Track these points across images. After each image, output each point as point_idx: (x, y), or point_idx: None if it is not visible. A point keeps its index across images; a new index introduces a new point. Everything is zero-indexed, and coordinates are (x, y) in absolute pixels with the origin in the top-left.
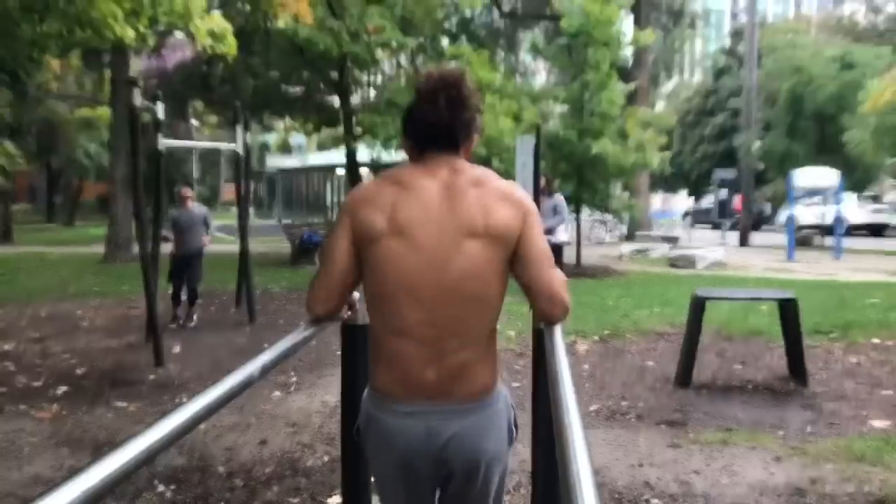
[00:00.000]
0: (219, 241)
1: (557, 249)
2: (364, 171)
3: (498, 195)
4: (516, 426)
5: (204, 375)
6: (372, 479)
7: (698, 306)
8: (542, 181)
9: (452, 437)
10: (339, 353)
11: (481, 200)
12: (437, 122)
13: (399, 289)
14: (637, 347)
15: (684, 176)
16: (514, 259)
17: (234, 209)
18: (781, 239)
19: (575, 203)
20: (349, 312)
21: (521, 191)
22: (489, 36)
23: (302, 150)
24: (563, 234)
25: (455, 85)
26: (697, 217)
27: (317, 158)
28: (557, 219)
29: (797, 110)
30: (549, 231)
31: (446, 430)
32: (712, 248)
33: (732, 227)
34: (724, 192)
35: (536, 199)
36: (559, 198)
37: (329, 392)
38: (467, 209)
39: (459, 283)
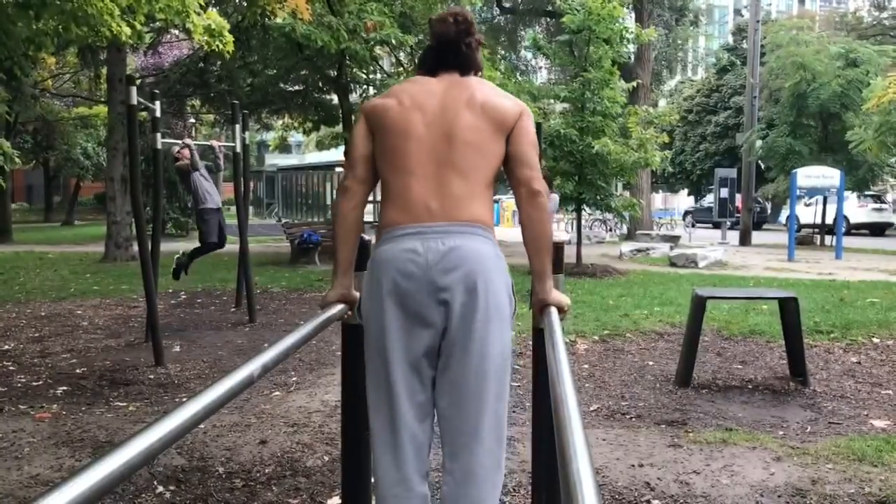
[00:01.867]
0: None
1: (558, 248)
2: None
3: (496, 90)
4: (513, 298)
5: (204, 375)
6: (374, 480)
7: (699, 306)
8: None
9: (450, 250)
10: (339, 352)
11: (481, 91)
12: (447, 37)
13: (407, 139)
14: (637, 347)
15: (685, 175)
16: (506, 156)
17: (233, 208)
18: (782, 238)
19: (576, 202)
20: (350, 312)
21: (516, 98)
22: (489, 33)
23: (301, 149)
24: (563, 233)
25: (462, 13)
26: (698, 216)
27: (316, 157)
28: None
29: (800, 108)
30: None
31: (443, 244)
32: (713, 247)
33: (733, 227)
34: (724, 192)
35: None
36: (553, 196)
37: (329, 392)
38: (468, 92)
39: (458, 132)
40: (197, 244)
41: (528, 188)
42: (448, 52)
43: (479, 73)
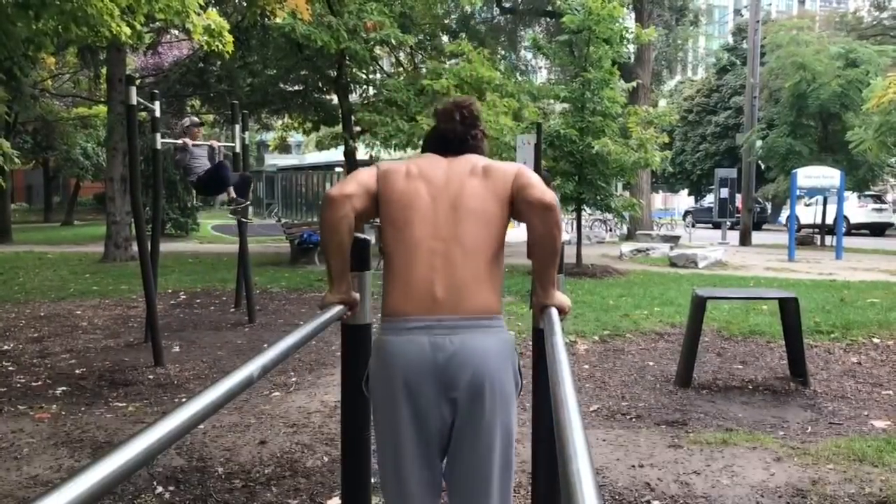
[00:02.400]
0: (218, 241)
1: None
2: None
3: (498, 161)
4: (521, 375)
5: (203, 375)
6: (374, 481)
7: (699, 306)
8: None
9: (457, 351)
10: (339, 353)
11: (484, 160)
12: (453, 133)
13: (412, 211)
14: (637, 347)
15: (685, 175)
16: (513, 200)
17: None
18: (782, 238)
19: (576, 202)
20: (349, 312)
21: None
22: (489, 33)
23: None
24: (563, 233)
25: (467, 105)
26: (698, 216)
27: (315, 157)
28: None
29: (800, 108)
30: None
31: (451, 343)
32: (713, 247)
33: (733, 227)
34: (724, 192)
35: None
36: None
37: (329, 392)
38: (472, 162)
39: (462, 201)
40: (197, 242)
41: (541, 203)
42: (453, 145)
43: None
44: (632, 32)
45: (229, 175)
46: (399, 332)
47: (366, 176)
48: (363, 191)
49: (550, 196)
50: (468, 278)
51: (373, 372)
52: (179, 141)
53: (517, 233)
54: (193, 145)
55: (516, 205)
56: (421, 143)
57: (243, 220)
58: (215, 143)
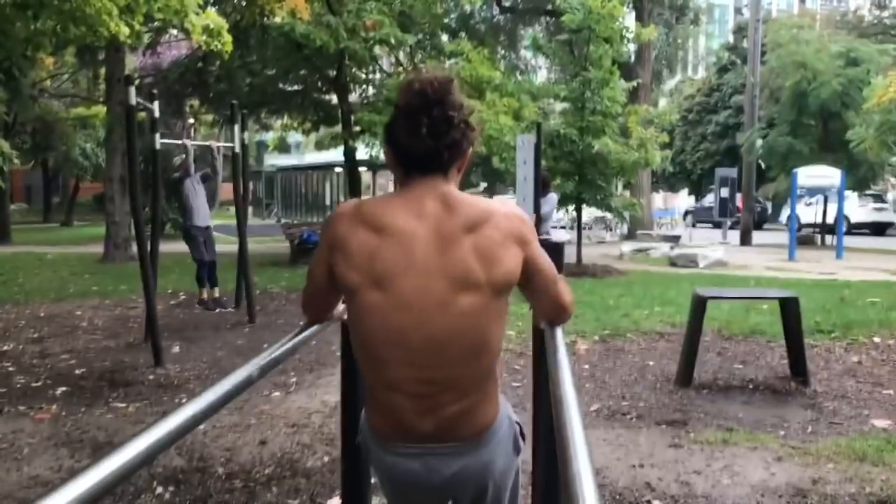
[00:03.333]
0: (218, 241)
1: (558, 248)
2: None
3: (498, 239)
4: (523, 436)
5: (203, 376)
6: (374, 481)
7: (699, 305)
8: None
9: (455, 474)
10: (339, 353)
11: (480, 249)
12: (420, 150)
13: (384, 344)
14: (638, 347)
15: (686, 174)
16: (519, 283)
17: (232, 208)
18: (783, 238)
19: (576, 201)
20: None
21: (517, 214)
22: (489, 32)
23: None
24: (564, 233)
25: (439, 103)
26: (699, 216)
27: (315, 157)
28: (550, 219)
29: (800, 107)
30: (545, 233)
31: (448, 467)
32: (713, 247)
33: (733, 226)
34: (725, 191)
35: (538, 199)
36: (552, 196)
37: (329, 392)
38: (462, 261)
39: (452, 340)
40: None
41: (557, 304)
42: (424, 162)
43: (472, 149)
44: (632, 31)
45: (203, 276)
46: (392, 455)
47: (319, 274)
48: (327, 293)
49: (568, 297)
50: (461, 414)
51: (371, 463)
52: (179, 141)
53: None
54: (192, 183)
55: (521, 285)
56: (382, 143)
57: (226, 309)
58: (214, 144)
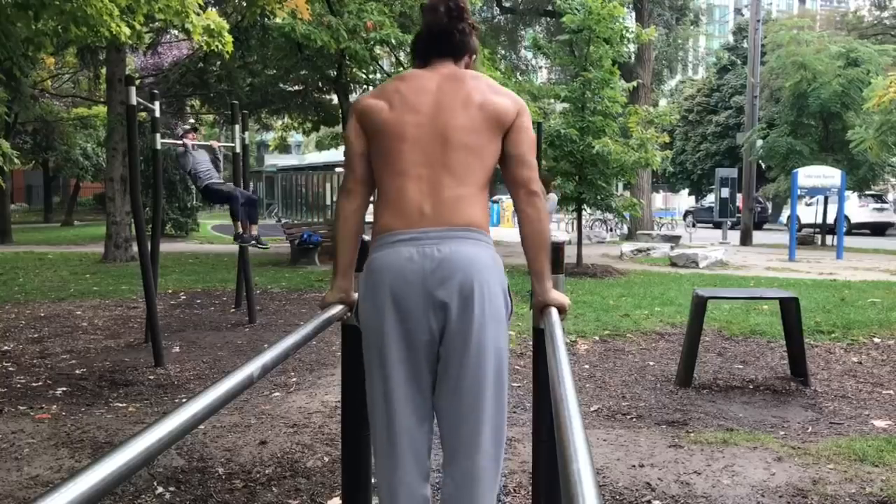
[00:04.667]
0: (218, 241)
1: (558, 248)
2: None
3: (493, 87)
4: (511, 298)
5: (203, 376)
6: (374, 481)
7: (699, 306)
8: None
9: (445, 258)
10: (339, 353)
11: (478, 89)
12: (438, 26)
13: (400, 141)
14: (638, 347)
15: (686, 174)
16: (503, 155)
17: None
18: (783, 238)
19: (576, 202)
20: (349, 313)
21: (516, 102)
22: (489, 32)
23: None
24: (563, 234)
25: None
26: (699, 216)
27: (316, 157)
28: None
29: (800, 108)
30: None
31: (439, 251)
32: (713, 247)
33: (734, 227)
34: (725, 191)
35: None
36: (552, 196)
37: (329, 392)
38: (464, 91)
39: (453, 134)
40: (197, 242)
41: (526, 188)
42: (440, 42)
43: (475, 57)
44: (632, 32)
45: (238, 208)
46: (387, 246)
47: (354, 136)
48: (363, 162)
49: (537, 184)
50: (456, 199)
51: (361, 294)
52: (179, 142)
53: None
54: (194, 147)
55: (504, 154)
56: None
57: (259, 246)
58: (215, 144)
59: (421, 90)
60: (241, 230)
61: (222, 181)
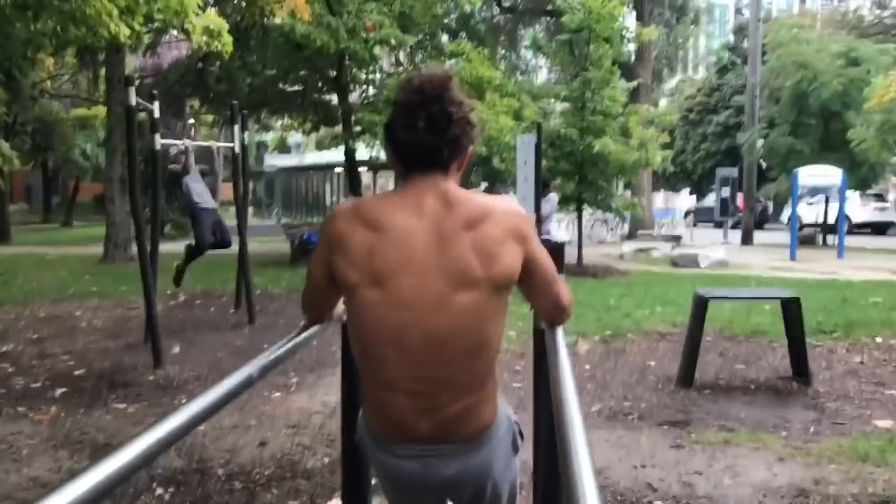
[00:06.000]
0: None
1: (558, 248)
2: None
3: (497, 236)
4: (521, 436)
5: (203, 376)
6: (374, 482)
7: (700, 306)
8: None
9: (454, 475)
10: (339, 353)
11: (479, 246)
12: (419, 145)
13: (382, 343)
14: (639, 347)
15: (687, 174)
16: (519, 282)
17: (232, 209)
18: (784, 238)
19: (576, 202)
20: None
21: (516, 211)
22: (489, 32)
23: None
24: (564, 233)
25: (437, 99)
26: (700, 216)
27: (315, 157)
28: (550, 219)
29: (801, 107)
30: (546, 232)
31: (447, 468)
32: (714, 247)
33: (735, 226)
34: (726, 191)
35: (538, 200)
36: (552, 196)
37: (329, 392)
38: (461, 258)
39: (450, 339)
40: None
41: (556, 305)
42: (421, 159)
43: (472, 148)
44: (632, 31)
45: (193, 258)
46: (390, 455)
47: (319, 273)
48: (327, 293)
49: (567, 298)
50: (459, 414)
51: (370, 462)
52: (180, 143)
53: None
54: (191, 178)
55: (522, 278)
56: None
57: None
58: (214, 144)
59: (404, 258)
60: (181, 274)
61: (214, 209)
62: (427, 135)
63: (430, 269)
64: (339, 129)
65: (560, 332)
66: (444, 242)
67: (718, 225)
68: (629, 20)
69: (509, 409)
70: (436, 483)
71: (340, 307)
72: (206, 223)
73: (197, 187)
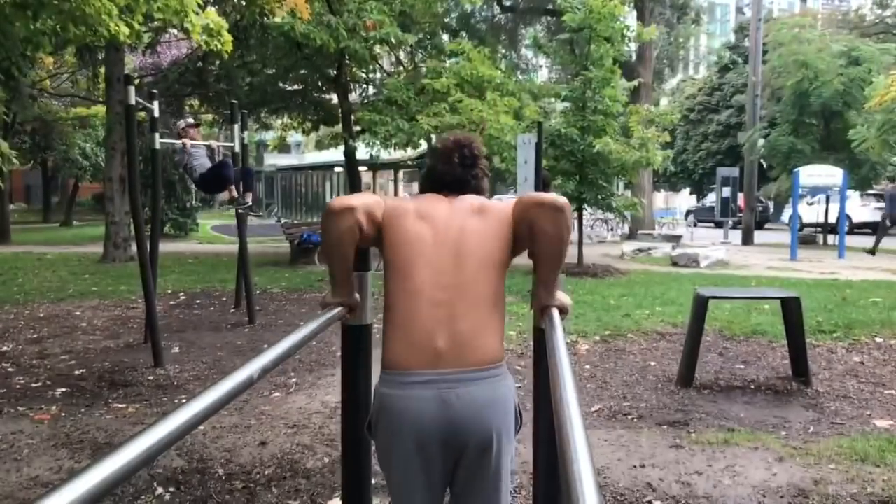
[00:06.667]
0: (217, 241)
1: None
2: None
3: (493, 202)
4: (521, 416)
5: (203, 376)
6: (374, 482)
7: (701, 305)
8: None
9: (463, 406)
10: (339, 353)
11: (480, 199)
12: (452, 175)
13: (415, 256)
14: (639, 347)
15: (687, 174)
16: (516, 223)
17: (232, 209)
18: (785, 237)
19: (577, 201)
20: (349, 314)
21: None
22: (490, 31)
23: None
24: None
25: (468, 145)
26: (700, 215)
27: (315, 157)
28: None
29: (802, 107)
30: None
31: (457, 397)
32: (715, 246)
33: (735, 226)
34: (726, 191)
35: None
36: None
37: (329, 392)
38: (468, 201)
39: (465, 244)
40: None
41: (552, 204)
42: (452, 187)
43: (486, 194)
44: (633, 31)
45: (231, 173)
46: (402, 387)
47: (372, 200)
48: (367, 210)
49: (563, 199)
50: (472, 330)
51: (378, 426)
52: (179, 142)
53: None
54: (192, 145)
55: (521, 225)
56: (419, 179)
57: (252, 214)
58: (214, 143)
59: (435, 205)
60: (235, 194)
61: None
62: (459, 167)
63: (453, 208)
64: (338, 128)
65: (560, 331)
66: (461, 202)
67: (719, 225)
68: (630, 19)
69: (513, 384)
70: (447, 417)
71: (339, 308)
72: (214, 165)
73: (197, 160)
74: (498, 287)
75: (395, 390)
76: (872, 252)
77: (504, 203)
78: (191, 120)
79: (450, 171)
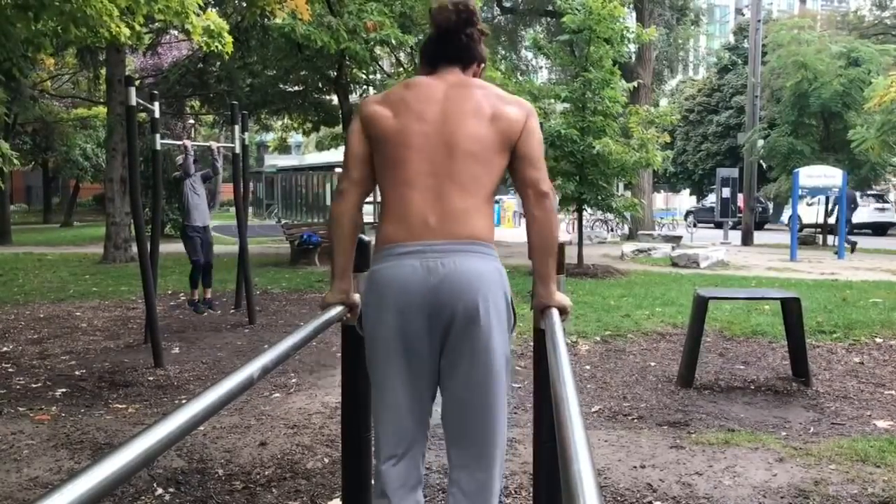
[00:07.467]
0: (218, 242)
1: (559, 249)
2: None
3: (502, 96)
4: (514, 309)
5: (203, 377)
6: (374, 482)
7: (701, 306)
8: None
9: (449, 273)
10: (340, 354)
11: (487, 99)
12: (448, 26)
13: (405, 149)
14: (639, 348)
15: (687, 175)
16: (512, 157)
17: (232, 209)
18: (784, 238)
19: (577, 202)
20: (349, 314)
21: (527, 104)
22: (490, 32)
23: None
24: (564, 233)
25: (464, 2)
26: (700, 216)
27: (316, 158)
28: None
29: (801, 107)
30: None
31: (443, 266)
32: (715, 247)
33: (735, 227)
34: (726, 191)
35: None
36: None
37: (329, 393)
38: (473, 100)
39: (460, 143)
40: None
41: (535, 189)
42: (448, 43)
43: (483, 65)
44: (633, 32)
45: (196, 276)
46: (390, 258)
47: (355, 138)
48: (360, 165)
49: (547, 185)
50: (461, 209)
51: (365, 301)
52: (180, 143)
53: (516, 233)
54: (191, 183)
55: (513, 156)
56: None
57: (211, 311)
58: (214, 144)
59: (427, 98)
60: (194, 297)
61: (205, 227)
62: (454, 16)
63: (449, 104)
64: (339, 129)
65: (560, 332)
66: (460, 91)
67: (719, 225)
68: (629, 21)
69: (504, 272)
70: (431, 284)
71: (339, 308)
72: (195, 242)
73: (194, 200)
74: (491, 184)
75: (382, 263)
76: (852, 249)
77: (514, 114)
78: (187, 143)
79: (445, 21)
